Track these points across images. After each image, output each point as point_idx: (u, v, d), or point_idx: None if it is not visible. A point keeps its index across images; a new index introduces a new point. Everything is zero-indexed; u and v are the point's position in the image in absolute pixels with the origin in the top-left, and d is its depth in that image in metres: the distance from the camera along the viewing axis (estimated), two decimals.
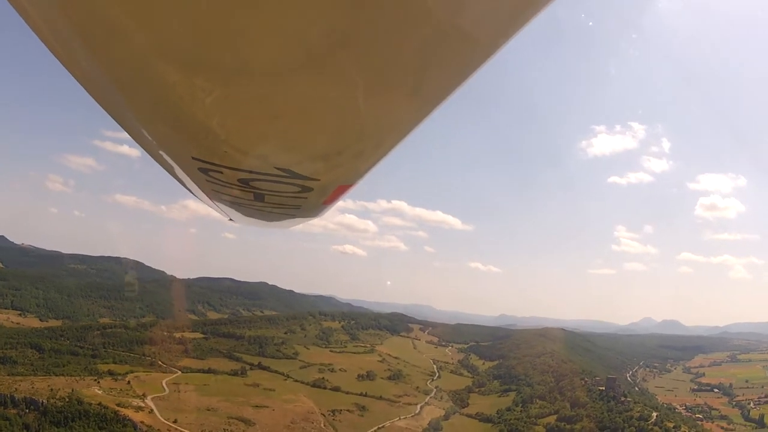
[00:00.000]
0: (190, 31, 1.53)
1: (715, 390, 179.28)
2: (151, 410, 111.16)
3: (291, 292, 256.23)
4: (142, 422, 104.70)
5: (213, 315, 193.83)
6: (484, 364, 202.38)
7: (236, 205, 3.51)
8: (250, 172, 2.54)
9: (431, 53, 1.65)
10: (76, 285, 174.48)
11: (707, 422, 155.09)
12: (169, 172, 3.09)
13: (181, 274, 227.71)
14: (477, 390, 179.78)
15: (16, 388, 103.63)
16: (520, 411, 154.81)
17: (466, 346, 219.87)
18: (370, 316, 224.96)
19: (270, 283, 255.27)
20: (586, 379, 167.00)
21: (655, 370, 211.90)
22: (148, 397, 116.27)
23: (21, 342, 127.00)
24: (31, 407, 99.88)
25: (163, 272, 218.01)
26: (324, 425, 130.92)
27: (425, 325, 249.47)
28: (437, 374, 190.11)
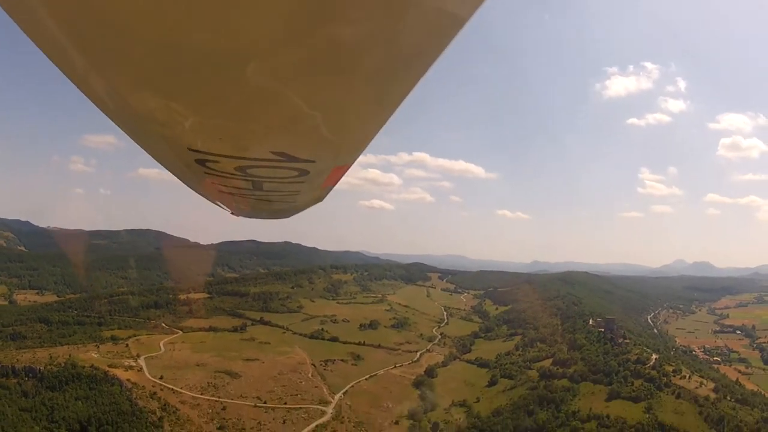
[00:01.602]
0: (178, 19, 1.54)
1: (738, 332, 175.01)
2: (141, 369, 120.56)
3: (314, 249, 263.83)
4: (128, 380, 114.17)
5: (230, 276, 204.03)
6: (497, 309, 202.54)
7: (237, 196, 3.63)
8: (246, 158, 2.58)
9: (410, 28, 1.67)
10: (93, 259, 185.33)
11: (724, 365, 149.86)
12: (170, 171, 3.24)
13: (205, 240, 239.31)
14: (483, 335, 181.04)
15: (17, 359, 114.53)
16: (519, 355, 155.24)
17: (482, 292, 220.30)
18: (384, 267, 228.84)
19: (294, 243, 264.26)
20: (590, 321, 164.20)
21: (678, 311, 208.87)
22: (141, 357, 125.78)
23: (30, 318, 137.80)
24: (30, 375, 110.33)
25: (186, 240, 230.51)
26: (312, 375, 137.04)
27: (445, 273, 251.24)
28: (445, 321, 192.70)
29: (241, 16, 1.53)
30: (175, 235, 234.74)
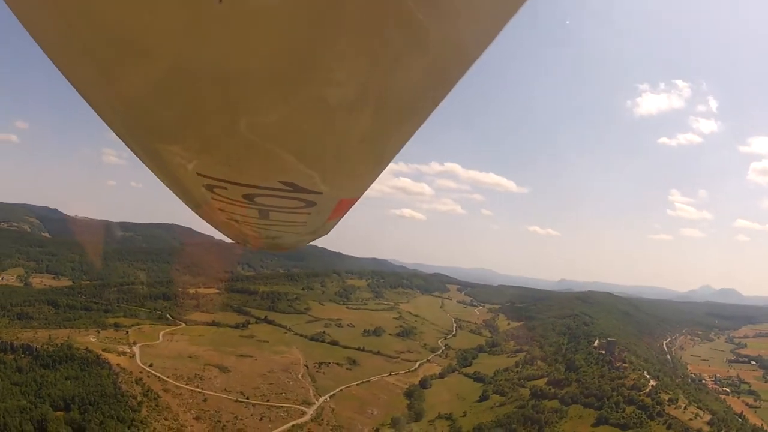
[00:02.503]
0: (192, 44, 1.57)
1: (753, 362, 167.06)
2: (133, 356, 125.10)
3: (339, 254, 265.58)
4: (118, 365, 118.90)
5: (246, 274, 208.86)
6: (509, 324, 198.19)
7: (242, 224, 3.68)
8: (254, 186, 2.60)
9: (426, 56, 1.69)
10: (114, 249, 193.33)
11: (733, 396, 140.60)
12: (176, 194, 3.31)
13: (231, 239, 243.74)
14: (489, 350, 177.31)
15: (17, 337, 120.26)
16: (516, 372, 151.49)
17: (498, 306, 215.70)
18: (401, 275, 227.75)
19: (320, 246, 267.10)
20: (595, 342, 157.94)
21: (696, 338, 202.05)
22: (137, 345, 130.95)
23: (39, 299, 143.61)
24: (26, 353, 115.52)
25: (211, 237, 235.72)
26: (302, 376, 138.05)
27: (464, 285, 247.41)
28: (453, 333, 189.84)
29: (256, 47, 1.55)
30: (201, 231, 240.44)
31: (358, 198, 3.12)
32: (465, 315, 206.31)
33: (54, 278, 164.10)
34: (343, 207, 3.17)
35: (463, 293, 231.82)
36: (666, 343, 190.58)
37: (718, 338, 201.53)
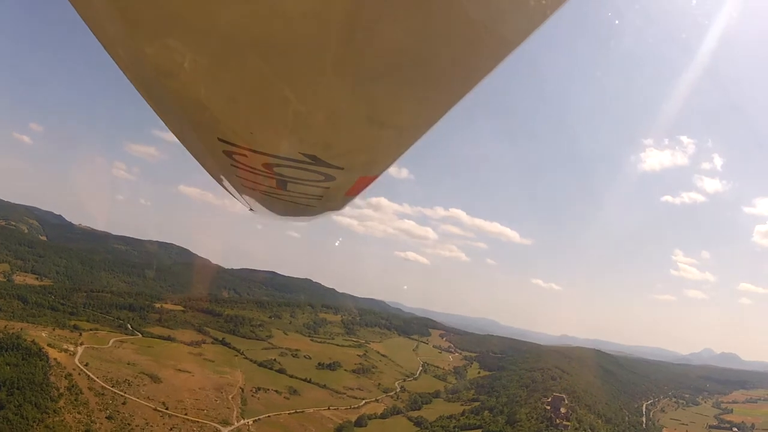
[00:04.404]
0: (225, 14, 1.58)
1: (734, 429, 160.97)
2: (74, 354, 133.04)
3: (332, 290, 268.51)
4: (56, 359, 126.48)
5: (226, 297, 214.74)
6: (479, 373, 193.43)
7: (258, 192, 3.63)
8: (275, 156, 2.58)
9: (455, 46, 1.70)
10: (105, 260, 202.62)
11: None
12: (194, 156, 3.28)
13: (226, 264, 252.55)
14: (445, 396, 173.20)
15: None
16: (458, 420, 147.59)
17: (474, 354, 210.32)
18: (381, 315, 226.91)
19: (315, 281, 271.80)
20: (545, 397, 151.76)
21: (682, 401, 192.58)
22: (83, 346, 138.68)
23: (11, 294, 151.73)
24: None
25: (208, 260, 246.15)
26: (232, 398, 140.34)
27: (449, 331, 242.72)
28: (416, 376, 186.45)
29: (286, 17, 1.57)
30: (198, 254, 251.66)
31: (377, 176, 3.11)
32: (436, 360, 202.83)
33: (37, 278, 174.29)
34: (361, 184, 3.19)
35: (444, 339, 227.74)
36: (647, 405, 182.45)
37: (705, 402, 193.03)
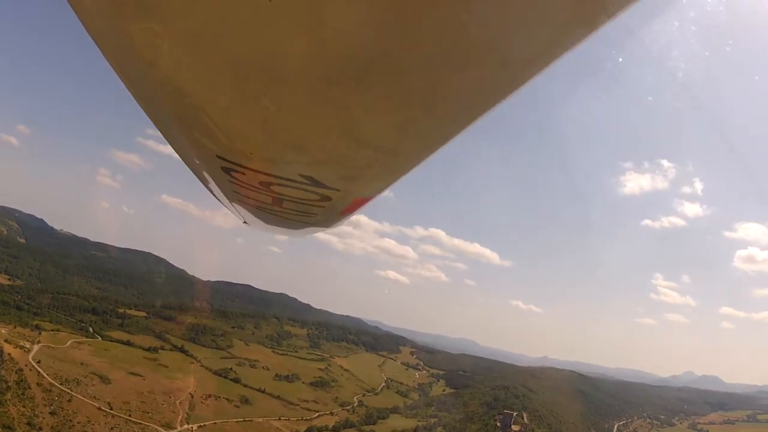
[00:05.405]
0: (227, 34, 1.58)
1: None
2: (29, 351, 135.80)
3: (308, 306, 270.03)
4: (9, 354, 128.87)
5: (197, 306, 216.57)
6: (444, 390, 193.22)
7: (253, 208, 3.65)
8: (273, 176, 2.60)
9: (464, 76, 1.68)
10: (80, 265, 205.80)
11: None
12: (189, 168, 3.32)
13: (204, 275, 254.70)
14: (403, 412, 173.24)
15: None
16: None
17: (442, 372, 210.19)
18: (349, 330, 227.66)
19: (291, 296, 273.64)
20: (500, 414, 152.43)
21: (656, 422, 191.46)
22: (40, 344, 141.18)
23: None
24: None
25: (184, 271, 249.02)
26: (180, 403, 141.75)
27: (421, 349, 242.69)
28: (377, 391, 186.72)
29: (289, 40, 1.58)
30: (176, 264, 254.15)
31: (373, 198, 3.17)
32: (401, 377, 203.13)
33: (9, 279, 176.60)
34: (356, 204, 3.28)
35: (414, 356, 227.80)
36: (618, 425, 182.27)
37: (681, 423, 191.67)
